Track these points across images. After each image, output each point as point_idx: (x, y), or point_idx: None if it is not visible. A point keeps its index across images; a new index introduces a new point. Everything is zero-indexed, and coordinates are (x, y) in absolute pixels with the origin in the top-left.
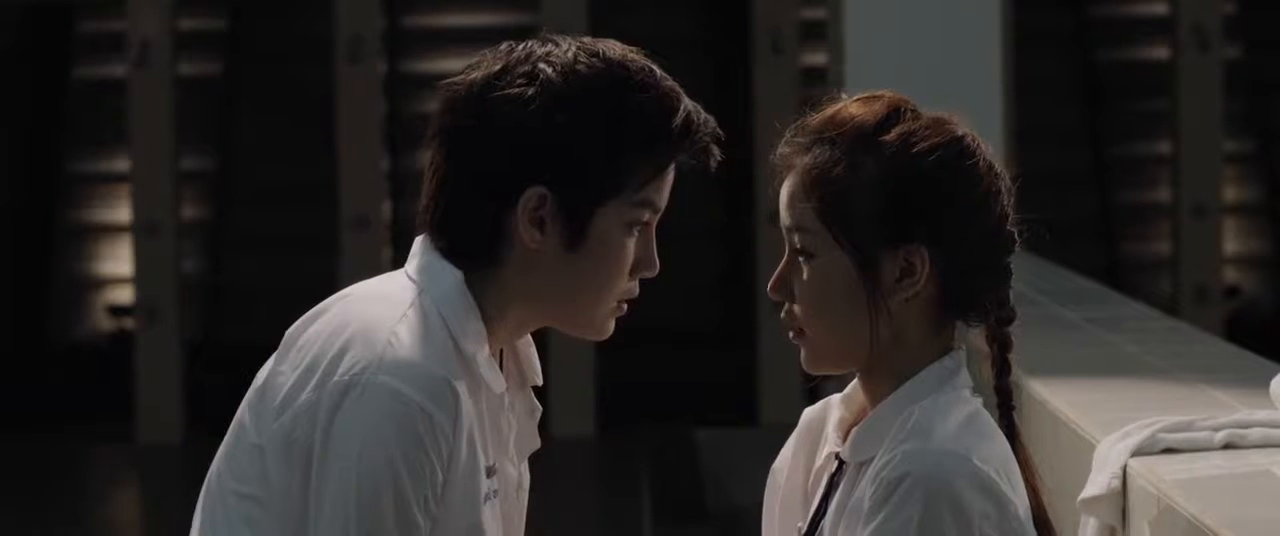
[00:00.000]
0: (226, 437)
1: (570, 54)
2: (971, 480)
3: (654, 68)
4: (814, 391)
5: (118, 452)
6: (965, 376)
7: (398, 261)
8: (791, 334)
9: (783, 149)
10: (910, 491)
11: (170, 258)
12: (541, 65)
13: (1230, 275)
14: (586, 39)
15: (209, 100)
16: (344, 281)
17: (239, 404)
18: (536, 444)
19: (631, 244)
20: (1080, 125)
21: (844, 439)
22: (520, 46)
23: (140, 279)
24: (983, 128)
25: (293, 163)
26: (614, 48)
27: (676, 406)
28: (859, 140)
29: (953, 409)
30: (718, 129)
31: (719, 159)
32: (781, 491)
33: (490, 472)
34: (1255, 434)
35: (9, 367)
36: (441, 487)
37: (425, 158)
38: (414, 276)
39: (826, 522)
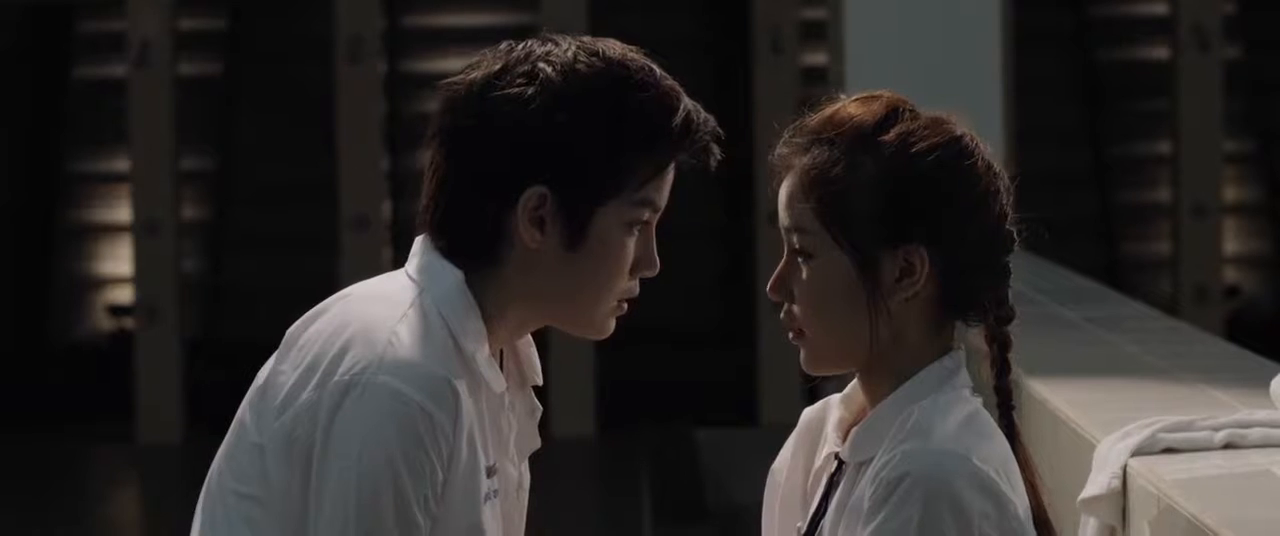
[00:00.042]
0: (227, 437)
1: (570, 53)
2: (971, 480)
3: (654, 67)
4: (814, 391)
5: (118, 452)
6: (965, 376)
7: (398, 261)
8: (791, 334)
9: (781, 149)
10: (910, 491)
11: (170, 257)
12: (541, 64)
13: (1230, 275)
14: (586, 38)
15: (209, 100)
16: (344, 281)
17: (239, 403)
18: (537, 443)
19: (632, 243)
20: (1080, 125)
21: (843, 439)
22: (520, 46)
23: (140, 279)
24: (983, 128)
25: (293, 163)
26: (614, 47)
27: (676, 406)
28: (858, 140)
29: (952, 409)
30: (718, 128)
31: (719, 158)
32: (781, 491)
33: (490, 472)
34: (1255, 434)
35: (9, 367)
36: (442, 487)
37: (425, 157)
38: (414, 276)
39: (826, 522)
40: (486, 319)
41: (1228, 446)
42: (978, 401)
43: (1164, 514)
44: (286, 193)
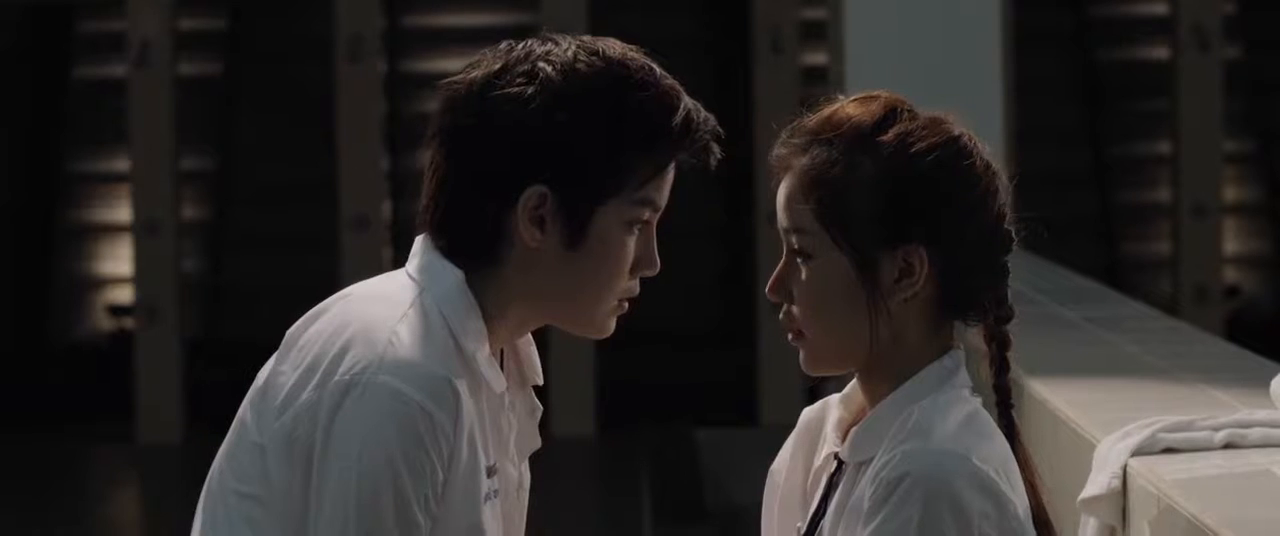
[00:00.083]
0: (227, 437)
1: (570, 53)
2: (971, 480)
3: (654, 66)
4: (814, 391)
5: (118, 452)
6: (964, 376)
7: (398, 261)
8: (790, 335)
9: (779, 150)
10: (910, 491)
11: (170, 257)
12: (541, 64)
13: (1230, 275)
14: (586, 38)
15: (209, 100)
16: (344, 281)
17: (239, 403)
18: (537, 443)
19: (632, 243)
20: (1080, 125)
21: (843, 439)
22: (520, 45)
23: (140, 279)
24: (983, 128)
25: (293, 163)
26: (614, 46)
27: (676, 406)
28: (856, 141)
29: (952, 408)
30: (718, 127)
31: (719, 157)
32: (780, 492)
33: (491, 472)
34: (1255, 434)
35: (9, 367)
36: (442, 487)
37: (425, 157)
38: (415, 276)
39: (826, 523)
40: (487, 318)
41: (1228, 446)
42: (977, 401)
43: (1164, 514)
44: (286, 193)
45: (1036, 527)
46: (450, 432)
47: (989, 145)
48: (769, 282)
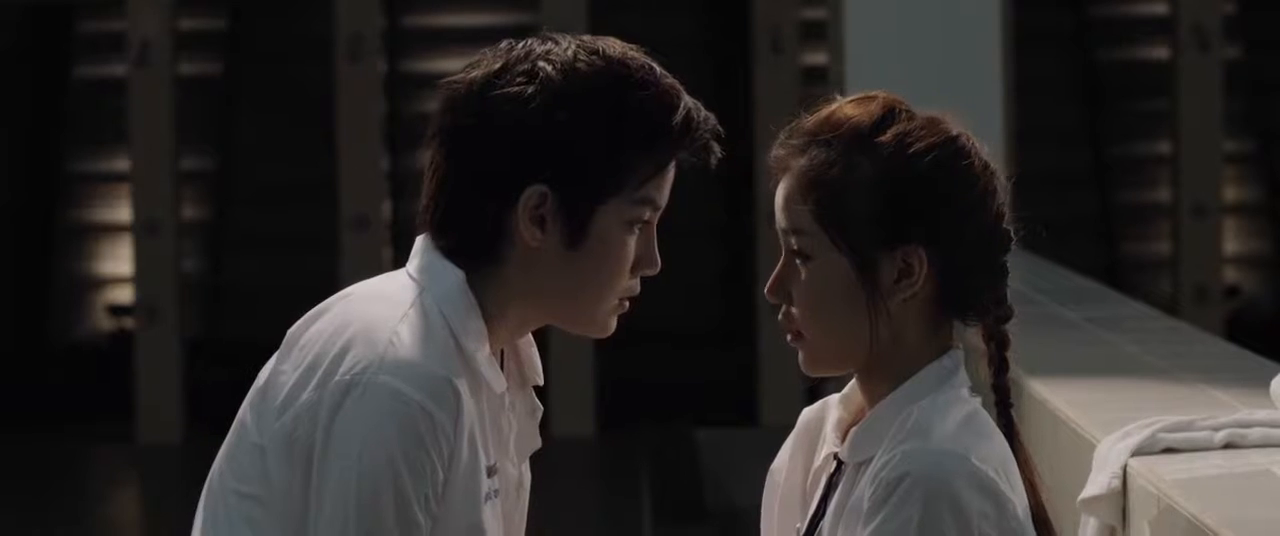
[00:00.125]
0: (228, 437)
1: (570, 52)
2: (970, 479)
3: (654, 65)
4: (814, 391)
5: (118, 452)
6: (963, 375)
7: (398, 261)
8: (789, 336)
9: (777, 151)
10: (909, 491)
11: (170, 257)
12: (541, 63)
13: (1230, 275)
14: (586, 37)
15: (209, 100)
16: (344, 281)
17: (239, 403)
18: (537, 443)
19: (632, 242)
20: (1080, 125)
21: (842, 439)
22: (520, 45)
23: (140, 279)
24: (983, 128)
25: (293, 163)
26: (614, 46)
27: (676, 406)
28: (855, 141)
29: (951, 408)
30: (718, 126)
31: (719, 156)
32: (780, 492)
33: (491, 472)
34: (1255, 434)
35: (9, 367)
36: (442, 487)
37: (425, 157)
38: (415, 276)
39: (826, 523)
40: (487, 318)
41: (1228, 446)
42: (976, 401)
43: (1164, 514)
44: (286, 193)
45: (1036, 527)
46: (451, 432)
47: (988, 145)
48: (768, 284)
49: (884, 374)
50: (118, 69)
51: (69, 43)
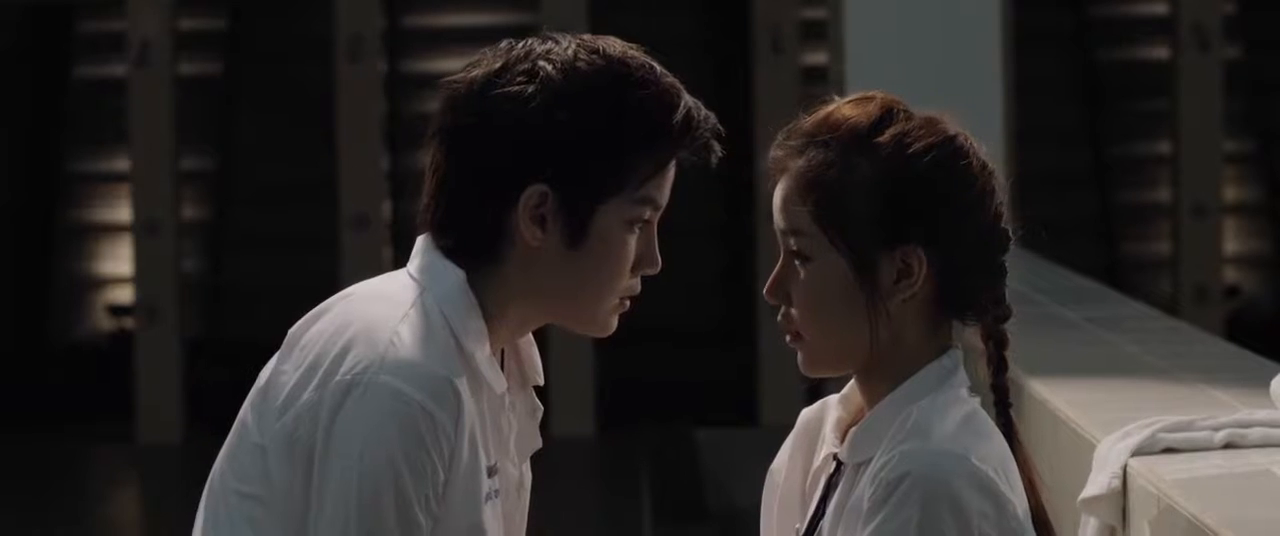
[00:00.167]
0: (229, 437)
1: (570, 51)
2: (970, 479)
3: (654, 64)
4: (814, 391)
5: (118, 452)
6: (962, 375)
7: (398, 261)
8: (789, 337)
9: (775, 152)
10: (909, 492)
11: (170, 257)
12: (542, 63)
13: (1230, 275)
14: (586, 36)
15: (209, 100)
16: (344, 281)
17: (239, 404)
18: (538, 444)
19: (633, 241)
20: (1080, 125)
21: (842, 440)
22: (520, 44)
23: (140, 279)
24: (983, 128)
25: (293, 162)
26: (614, 45)
27: (677, 406)
28: (853, 142)
29: (950, 408)
30: (718, 125)
31: (720, 155)
32: (779, 492)
33: (492, 472)
34: (1255, 434)
35: (9, 367)
36: (443, 487)
37: (426, 157)
38: (416, 275)
39: (825, 524)
40: (488, 318)
41: (1228, 446)
42: (976, 401)
43: (1164, 514)
44: (286, 193)
45: (1036, 527)
46: (451, 432)
47: (988, 145)
48: (766, 285)
49: (883, 374)
50: (118, 69)
51: (69, 43)
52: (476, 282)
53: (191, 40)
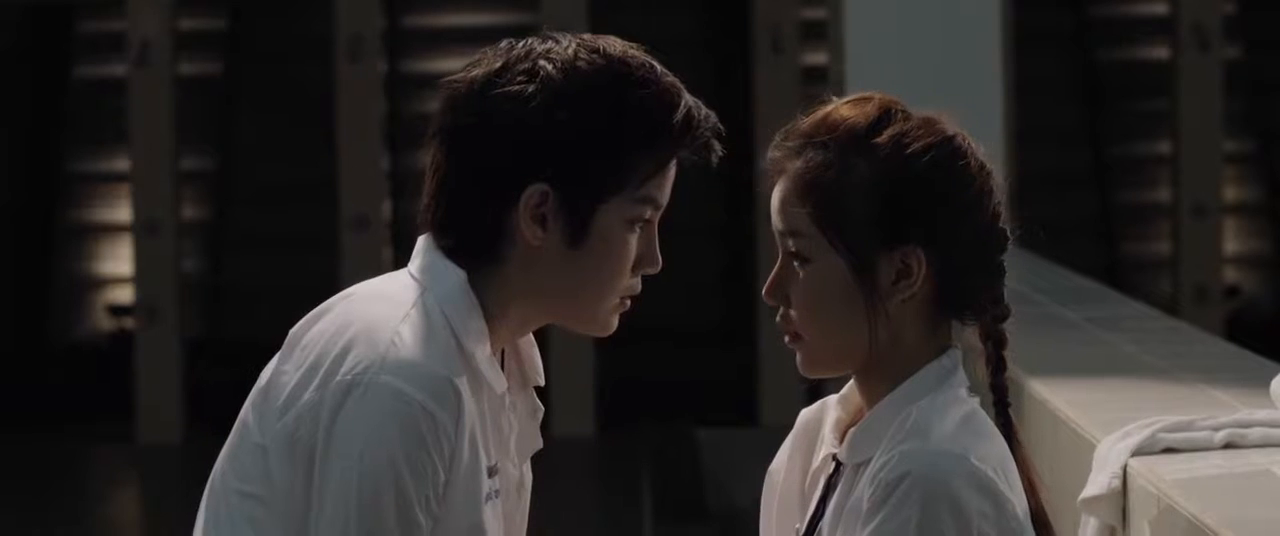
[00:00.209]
0: (230, 437)
1: (570, 51)
2: (969, 479)
3: (654, 64)
4: (814, 391)
5: (118, 452)
6: (962, 375)
7: (398, 261)
8: (787, 338)
9: (773, 153)
10: (909, 492)
11: (170, 257)
12: (542, 62)
13: (1230, 275)
14: (586, 36)
15: (209, 100)
16: (344, 281)
17: (239, 404)
18: (538, 444)
19: (634, 240)
20: (1080, 125)
21: (841, 440)
22: (520, 44)
23: (140, 279)
24: (983, 128)
25: (293, 162)
26: (614, 44)
27: (677, 405)
28: (852, 143)
29: (950, 408)
30: (719, 124)
31: (720, 154)
32: (779, 493)
33: (492, 472)
34: (1255, 434)
35: (9, 367)
36: (443, 487)
37: (426, 156)
38: (417, 276)
39: (825, 524)
40: (489, 318)
41: (1228, 446)
42: (975, 401)
43: (1164, 514)
44: (286, 193)
45: (1036, 527)
46: (452, 433)
47: (988, 145)
48: (765, 286)
49: (882, 374)
50: (118, 69)
51: (69, 43)
52: (477, 282)
53: (191, 40)
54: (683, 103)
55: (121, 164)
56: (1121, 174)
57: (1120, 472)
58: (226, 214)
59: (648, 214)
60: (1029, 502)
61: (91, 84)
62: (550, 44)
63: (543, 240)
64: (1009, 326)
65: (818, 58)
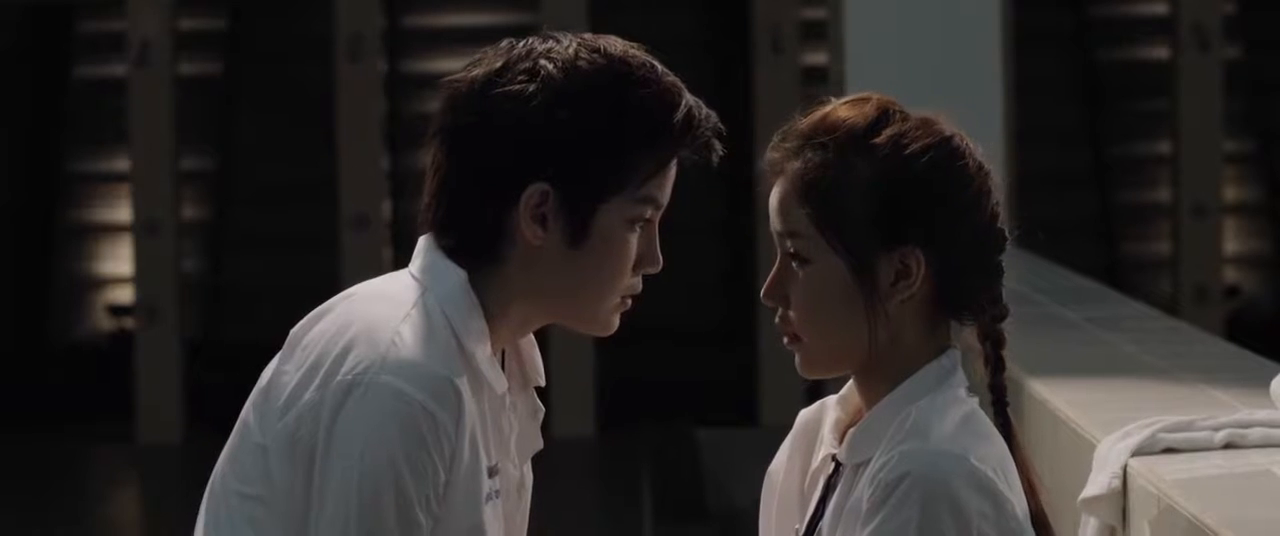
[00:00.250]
0: (231, 438)
1: (571, 50)
2: (969, 479)
3: (655, 63)
4: (814, 391)
5: (118, 452)
6: (961, 375)
7: (398, 261)
8: (786, 339)
9: (771, 154)
10: (908, 492)
11: (170, 257)
12: (543, 62)
13: (1230, 275)
14: (587, 35)
15: (209, 100)
16: (344, 281)
17: (239, 404)
18: (539, 445)
19: (634, 240)
20: (1080, 125)
21: (840, 441)
22: (521, 44)
23: (140, 279)
24: (983, 128)
25: (293, 162)
26: (615, 44)
27: (677, 405)
28: (850, 143)
29: (949, 409)
30: (719, 124)
31: (721, 154)
32: (778, 494)
33: (492, 473)
34: (1255, 434)
35: (9, 367)
36: (443, 487)
37: (426, 156)
38: (418, 276)
39: (824, 525)
40: (489, 317)
41: (1228, 446)
42: (974, 401)
43: (1164, 514)
44: (286, 193)
45: (1035, 528)
46: (452, 433)
47: (988, 145)
48: (764, 287)
49: (882, 375)
50: (118, 69)
51: (69, 43)
52: (478, 282)
53: (191, 40)
54: (684, 102)
55: (121, 164)
56: (1121, 174)
57: (1120, 472)
58: (226, 214)
59: (648, 213)
60: (1028, 503)
61: (91, 84)
62: (551, 43)
63: (543, 240)
64: (1007, 326)
65: (818, 58)
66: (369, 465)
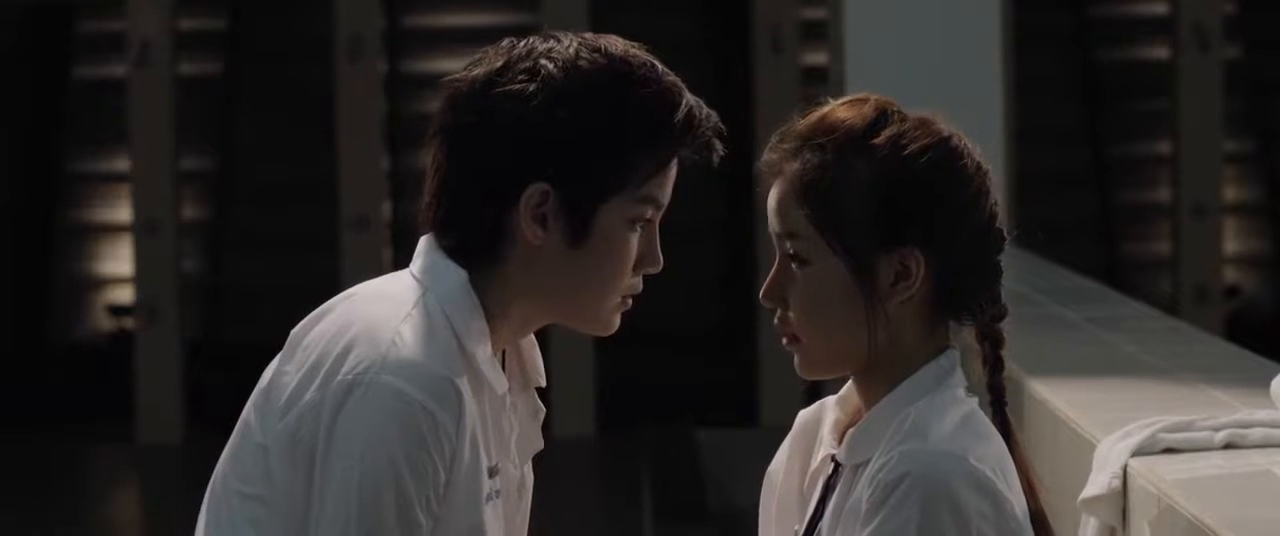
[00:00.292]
0: (231, 438)
1: (572, 50)
2: (968, 480)
3: (655, 63)
4: (814, 391)
5: (118, 452)
6: (960, 375)
7: (398, 261)
8: (785, 340)
9: (769, 155)
10: (908, 493)
11: (170, 257)
12: (543, 61)
13: (1230, 275)
14: (588, 35)
15: (209, 100)
16: (344, 281)
17: (240, 404)
18: (539, 445)
19: (635, 240)
20: (1080, 125)
21: (839, 441)
22: (522, 43)
23: (140, 279)
24: (983, 128)
25: (293, 162)
26: (615, 43)
27: (677, 406)
28: (849, 144)
29: (948, 409)
30: (720, 123)
31: (721, 154)
32: (777, 494)
33: (493, 473)
34: (1255, 434)
35: (9, 367)
36: (443, 487)
37: (426, 156)
38: (418, 276)
39: (824, 525)
40: (490, 317)
41: (1228, 446)
42: (974, 401)
43: (1164, 514)
44: (286, 193)
45: (1035, 527)
46: (453, 433)
47: (988, 145)
48: (763, 288)
49: (881, 375)
50: (118, 69)
51: (69, 43)
52: (478, 282)
53: (191, 40)
54: (684, 102)
55: (121, 164)
56: (1121, 174)
57: (1120, 472)
58: (226, 214)
59: (649, 213)
60: (1028, 503)
61: (91, 84)
62: (552, 43)
63: (544, 240)
64: (1006, 326)
65: (818, 58)
66: (369, 465)
